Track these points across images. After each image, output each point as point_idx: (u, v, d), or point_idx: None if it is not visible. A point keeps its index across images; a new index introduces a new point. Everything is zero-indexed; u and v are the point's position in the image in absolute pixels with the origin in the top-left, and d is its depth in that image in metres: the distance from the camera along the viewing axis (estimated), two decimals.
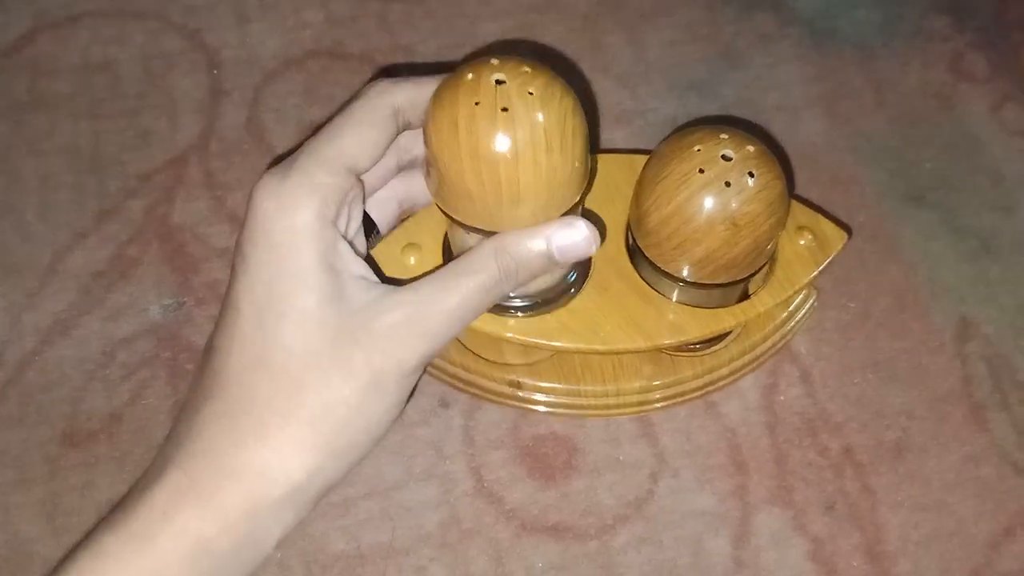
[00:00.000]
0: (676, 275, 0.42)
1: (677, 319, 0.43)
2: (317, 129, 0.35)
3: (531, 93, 0.32)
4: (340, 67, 0.59)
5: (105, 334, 0.50)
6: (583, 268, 0.43)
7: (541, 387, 0.47)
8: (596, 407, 0.48)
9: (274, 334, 0.31)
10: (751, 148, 0.39)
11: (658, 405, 0.48)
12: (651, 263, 0.43)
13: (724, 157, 0.39)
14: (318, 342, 0.31)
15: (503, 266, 0.34)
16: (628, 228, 0.44)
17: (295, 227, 0.31)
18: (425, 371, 0.49)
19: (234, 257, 0.34)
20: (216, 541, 0.30)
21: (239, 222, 0.54)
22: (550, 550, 0.45)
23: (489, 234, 0.36)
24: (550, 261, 0.36)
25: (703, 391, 0.49)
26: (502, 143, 0.32)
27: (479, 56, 0.34)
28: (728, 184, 0.38)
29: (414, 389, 0.35)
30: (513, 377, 0.47)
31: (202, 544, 0.30)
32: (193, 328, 0.51)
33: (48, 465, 0.47)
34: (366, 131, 0.34)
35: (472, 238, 0.37)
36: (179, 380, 0.49)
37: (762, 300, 0.45)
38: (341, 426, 0.32)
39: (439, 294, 0.33)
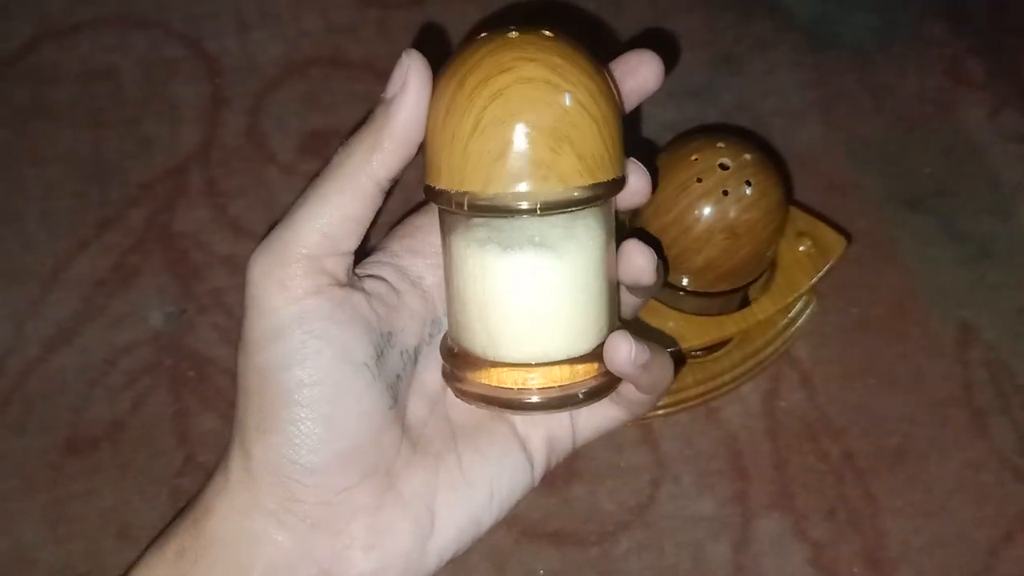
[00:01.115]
0: (676, 284, 0.42)
1: (678, 327, 0.44)
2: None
3: None
4: (341, 75, 0.60)
5: (107, 342, 0.50)
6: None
7: None
8: None
9: None
10: (748, 156, 0.40)
11: (660, 412, 0.48)
12: None
13: (722, 166, 0.39)
14: None
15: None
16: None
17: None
18: None
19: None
20: None
21: (240, 230, 0.54)
22: (551, 556, 0.45)
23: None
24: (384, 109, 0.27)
25: (704, 397, 0.49)
26: None
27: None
28: (726, 193, 0.39)
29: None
30: None
31: None
32: (195, 336, 0.51)
33: (51, 472, 0.47)
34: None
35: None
36: (181, 387, 0.49)
37: (763, 307, 0.45)
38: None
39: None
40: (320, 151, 0.57)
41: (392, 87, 0.27)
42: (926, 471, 0.48)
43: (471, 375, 0.28)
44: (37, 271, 0.52)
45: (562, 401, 0.27)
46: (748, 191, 0.39)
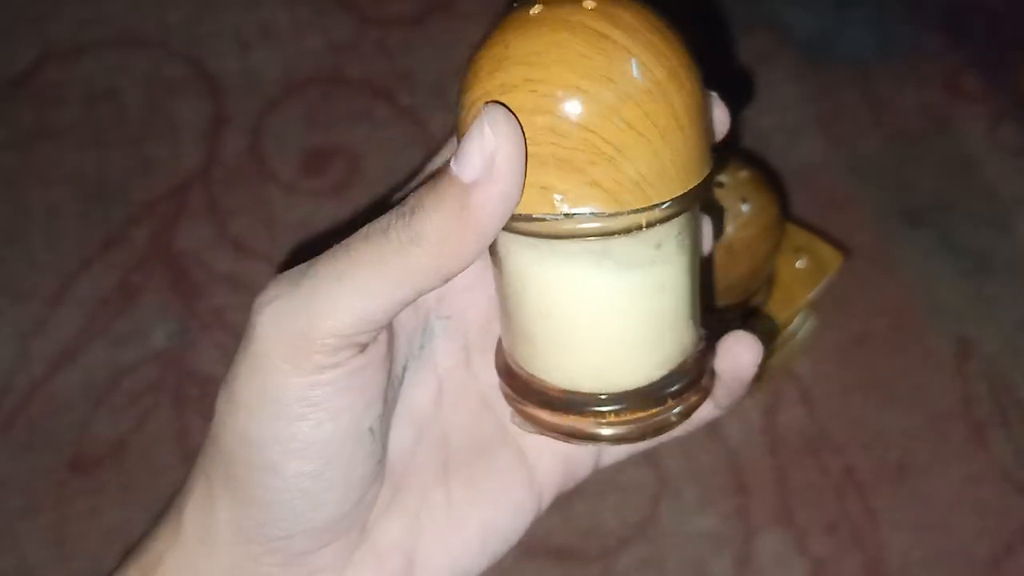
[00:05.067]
0: None
1: None
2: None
3: None
4: (340, 93, 0.60)
5: (111, 361, 0.51)
6: None
7: None
8: None
9: None
10: (744, 174, 0.40)
11: None
12: None
13: (717, 183, 0.39)
14: None
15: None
16: None
17: None
18: None
19: None
20: None
21: (242, 248, 0.55)
22: (553, 573, 0.45)
23: None
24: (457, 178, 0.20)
25: None
26: None
27: None
28: (722, 210, 0.39)
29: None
30: None
31: None
32: (197, 354, 0.51)
33: (55, 491, 0.47)
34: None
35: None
36: (183, 406, 0.49)
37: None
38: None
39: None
40: (320, 169, 0.57)
41: (468, 165, 0.19)
42: (926, 485, 0.48)
43: (542, 409, 0.24)
44: (41, 290, 0.53)
45: (651, 429, 0.23)
46: (744, 208, 0.39)
